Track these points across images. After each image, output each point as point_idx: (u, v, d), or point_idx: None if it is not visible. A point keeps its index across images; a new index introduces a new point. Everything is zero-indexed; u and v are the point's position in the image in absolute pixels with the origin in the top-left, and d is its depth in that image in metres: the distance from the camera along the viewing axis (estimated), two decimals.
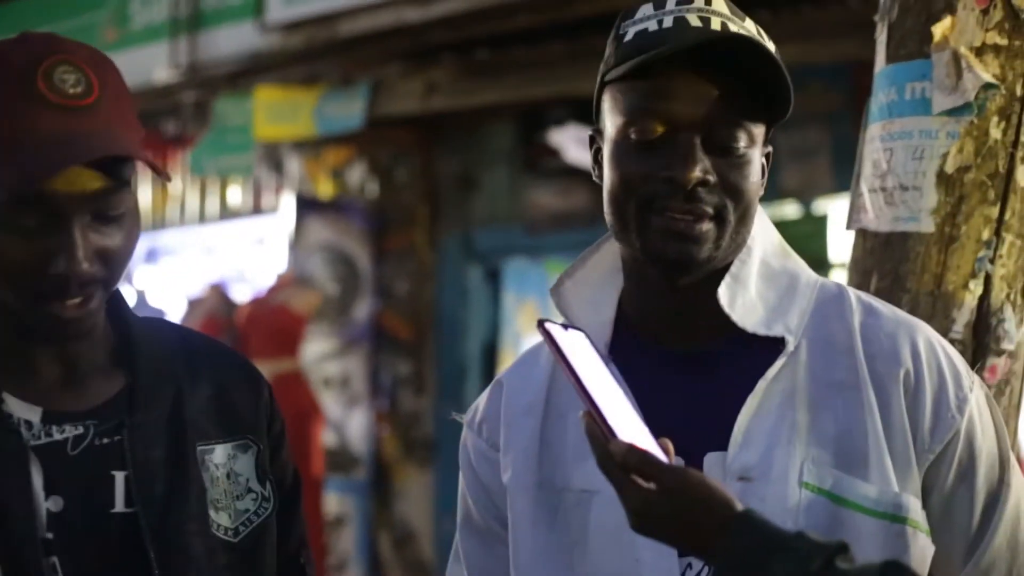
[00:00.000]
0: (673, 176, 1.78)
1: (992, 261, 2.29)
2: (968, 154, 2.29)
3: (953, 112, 2.29)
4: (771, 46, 1.86)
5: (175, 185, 10.58)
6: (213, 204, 10.55)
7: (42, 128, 1.65)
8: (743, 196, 1.82)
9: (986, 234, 2.29)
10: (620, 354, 1.88)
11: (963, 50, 2.29)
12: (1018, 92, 2.29)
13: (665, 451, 1.61)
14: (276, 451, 1.94)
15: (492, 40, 7.63)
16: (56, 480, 1.72)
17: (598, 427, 1.60)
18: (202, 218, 10.63)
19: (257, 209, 10.14)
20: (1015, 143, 2.29)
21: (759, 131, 1.84)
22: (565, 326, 1.68)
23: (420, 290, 9.30)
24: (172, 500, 1.78)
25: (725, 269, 1.87)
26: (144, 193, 10.86)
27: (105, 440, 1.77)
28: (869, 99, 2.47)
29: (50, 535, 1.71)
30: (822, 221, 7.61)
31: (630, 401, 1.69)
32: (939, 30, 2.31)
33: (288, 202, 9.58)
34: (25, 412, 1.74)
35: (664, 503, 1.58)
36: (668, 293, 1.88)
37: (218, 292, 9.01)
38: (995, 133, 2.29)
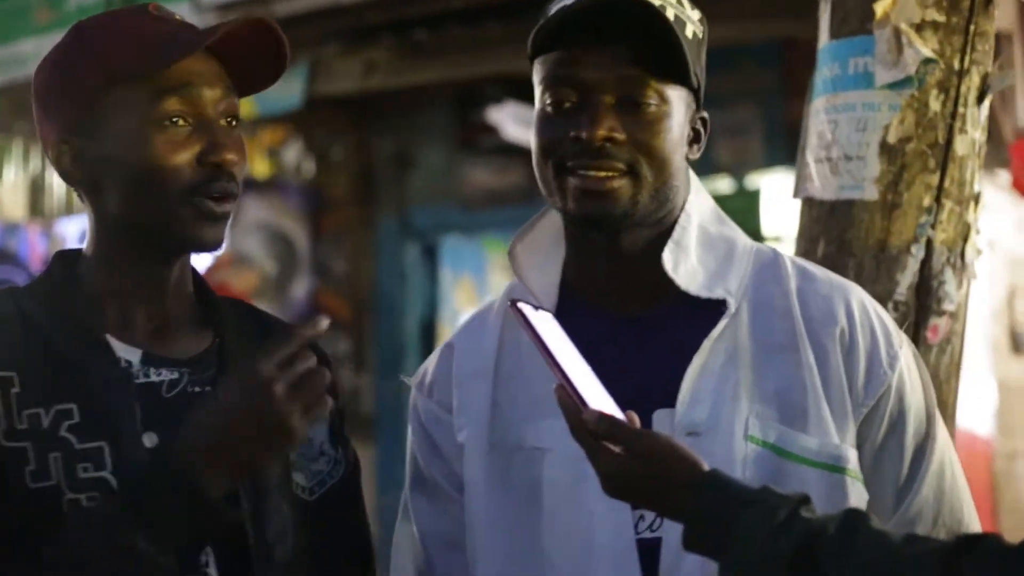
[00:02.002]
0: (580, 135, 1.87)
1: (933, 227, 2.41)
2: (909, 125, 2.40)
3: (894, 86, 2.40)
4: (692, 13, 1.95)
5: None
6: None
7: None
8: (656, 152, 1.90)
9: (927, 201, 2.41)
10: (567, 317, 1.94)
11: (904, 26, 2.40)
12: (955, 66, 2.41)
13: (630, 421, 1.70)
14: (340, 423, 2.05)
15: (430, 20, 7.66)
16: (152, 418, 1.84)
17: (570, 398, 1.69)
18: None
19: None
20: (953, 114, 2.41)
21: (675, 92, 1.92)
22: (535, 307, 1.78)
23: (358, 268, 9.32)
24: None
25: (663, 234, 1.96)
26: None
27: (197, 388, 1.89)
28: (813, 73, 2.56)
29: None
30: (755, 196, 7.72)
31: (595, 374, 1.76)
32: (880, 7, 2.42)
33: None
34: (127, 353, 1.87)
35: (635, 466, 1.67)
36: (610, 257, 1.96)
37: None
38: (934, 105, 2.40)
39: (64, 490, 1.76)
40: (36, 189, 11.32)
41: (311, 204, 9.47)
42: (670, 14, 1.90)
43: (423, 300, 9.36)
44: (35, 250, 10.21)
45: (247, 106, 8.79)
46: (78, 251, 1.95)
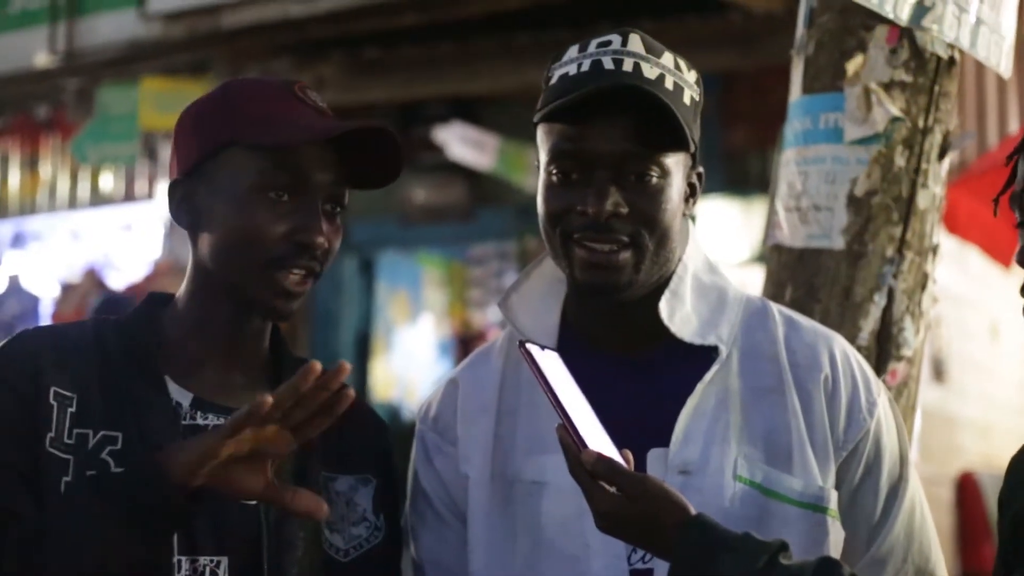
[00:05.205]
0: (587, 210, 1.97)
1: (895, 276, 2.53)
2: (875, 179, 2.53)
3: (863, 141, 2.53)
4: (689, 76, 2.05)
5: (46, 170, 10.48)
6: (84, 190, 10.47)
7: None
8: (657, 224, 2.00)
9: (890, 252, 2.53)
10: (566, 355, 2.01)
11: (873, 85, 2.52)
12: (920, 124, 2.54)
13: (625, 461, 1.80)
14: (391, 490, 2.14)
15: (380, 37, 7.71)
16: None
17: (571, 438, 1.78)
18: (72, 204, 10.53)
19: (130, 196, 10.07)
20: (916, 170, 2.54)
21: (674, 160, 2.01)
22: (542, 347, 1.86)
23: None
24: None
25: (661, 285, 2.07)
26: (13, 178, 10.75)
27: None
28: (784, 125, 2.67)
29: None
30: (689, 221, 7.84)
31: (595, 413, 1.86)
32: (852, 67, 2.54)
33: (164, 189, 9.43)
34: (179, 395, 1.99)
35: (627, 507, 1.77)
36: (610, 307, 2.07)
37: (93, 277, 8.95)
38: (900, 161, 2.53)
39: None
40: None
41: None
42: (669, 83, 2.00)
43: (358, 313, 9.42)
44: None
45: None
46: (171, 295, 2.07)
